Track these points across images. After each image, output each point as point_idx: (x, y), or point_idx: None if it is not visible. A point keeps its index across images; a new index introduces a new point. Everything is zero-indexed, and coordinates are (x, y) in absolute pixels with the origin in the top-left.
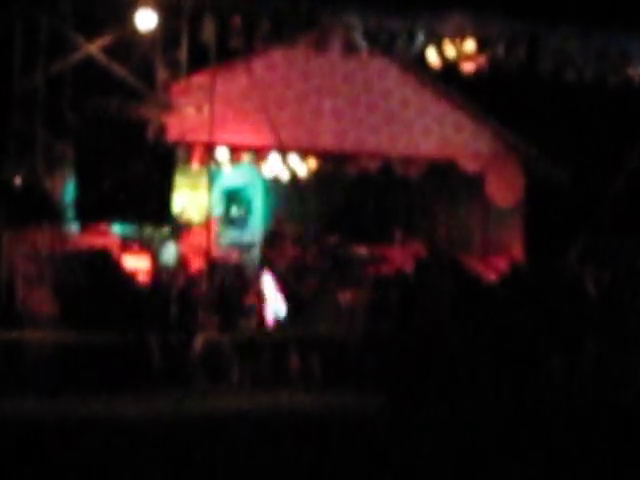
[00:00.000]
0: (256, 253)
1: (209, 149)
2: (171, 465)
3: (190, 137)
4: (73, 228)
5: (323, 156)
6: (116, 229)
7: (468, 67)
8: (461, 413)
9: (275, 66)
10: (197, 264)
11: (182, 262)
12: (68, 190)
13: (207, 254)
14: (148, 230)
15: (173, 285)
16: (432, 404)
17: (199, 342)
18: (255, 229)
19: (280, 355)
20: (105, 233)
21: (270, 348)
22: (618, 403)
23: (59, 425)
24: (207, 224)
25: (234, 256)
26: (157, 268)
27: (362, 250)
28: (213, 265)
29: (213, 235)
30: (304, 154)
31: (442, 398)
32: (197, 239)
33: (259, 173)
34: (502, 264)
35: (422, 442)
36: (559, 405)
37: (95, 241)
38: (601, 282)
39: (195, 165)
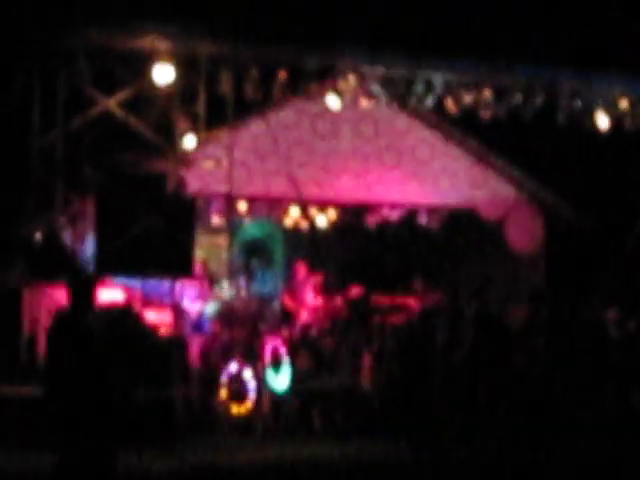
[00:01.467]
0: (277, 305)
1: (229, 202)
2: None
3: (210, 190)
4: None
5: (343, 207)
6: (137, 283)
7: (486, 114)
8: (484, 459)
9: (295, 118)
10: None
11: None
12: (88, 245)
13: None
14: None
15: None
16: (454, 450)
17: (221, 396)
18: (276, 280)
19: (303, 406)
20: (126, 287)
21: (293, 399)
22: None
23: None
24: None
25: (253, 307)
26: (179, 321)
27: (383, 300)
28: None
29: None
30: (323, 205)
31: (464, 444)
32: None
33: (279, 225)
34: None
35: None
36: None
37: (116, 295)
38: (625, 328)
39: (215, 218)
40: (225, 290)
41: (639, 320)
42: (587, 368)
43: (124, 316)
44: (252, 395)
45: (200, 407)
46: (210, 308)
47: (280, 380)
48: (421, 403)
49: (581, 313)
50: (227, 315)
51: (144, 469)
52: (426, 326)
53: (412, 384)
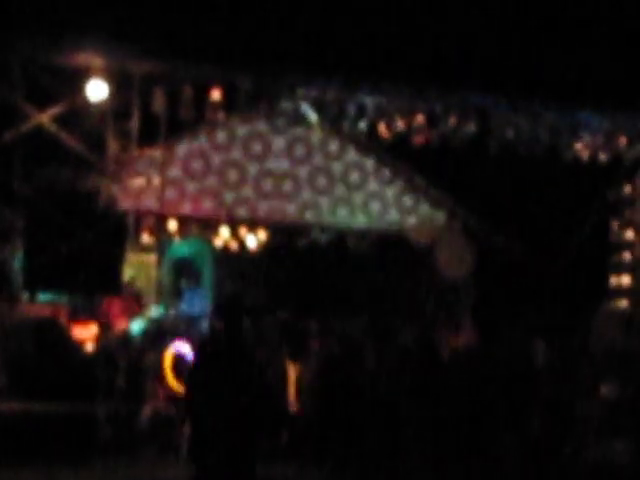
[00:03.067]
0: (205, 325)
1: (159, 220)
2: None
3: (140, 208)
4: (23, 297)
5: (273, 228)
6: (64, 299)
7: (418, 140)
8: None
9: (227, 139)
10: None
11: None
12: (18, 259)
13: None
14: (97, 299)
15: (121, 354)
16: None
17: (147, 412)
18: (204, 300)
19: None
20: (54, 302)
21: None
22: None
23: None
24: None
25: (182, 327)
26: (105, 338)
27: (312, 324)
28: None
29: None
30: (254, 226)
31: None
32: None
33: (209, 244)
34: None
35: None
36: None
37: (44, 310)
38: (551, 355)
39: (145, 236)
40: (153, 309)
41: (565, 349)
42: (512, 397)
43: (49, 327)
44: None
45: (124, 423)
46: (137, 326)
47: None
48: (343, 426)
49: (508, 341)
50: (154, 334)
51: None
52: (351, 350)
53: (335, 407)
